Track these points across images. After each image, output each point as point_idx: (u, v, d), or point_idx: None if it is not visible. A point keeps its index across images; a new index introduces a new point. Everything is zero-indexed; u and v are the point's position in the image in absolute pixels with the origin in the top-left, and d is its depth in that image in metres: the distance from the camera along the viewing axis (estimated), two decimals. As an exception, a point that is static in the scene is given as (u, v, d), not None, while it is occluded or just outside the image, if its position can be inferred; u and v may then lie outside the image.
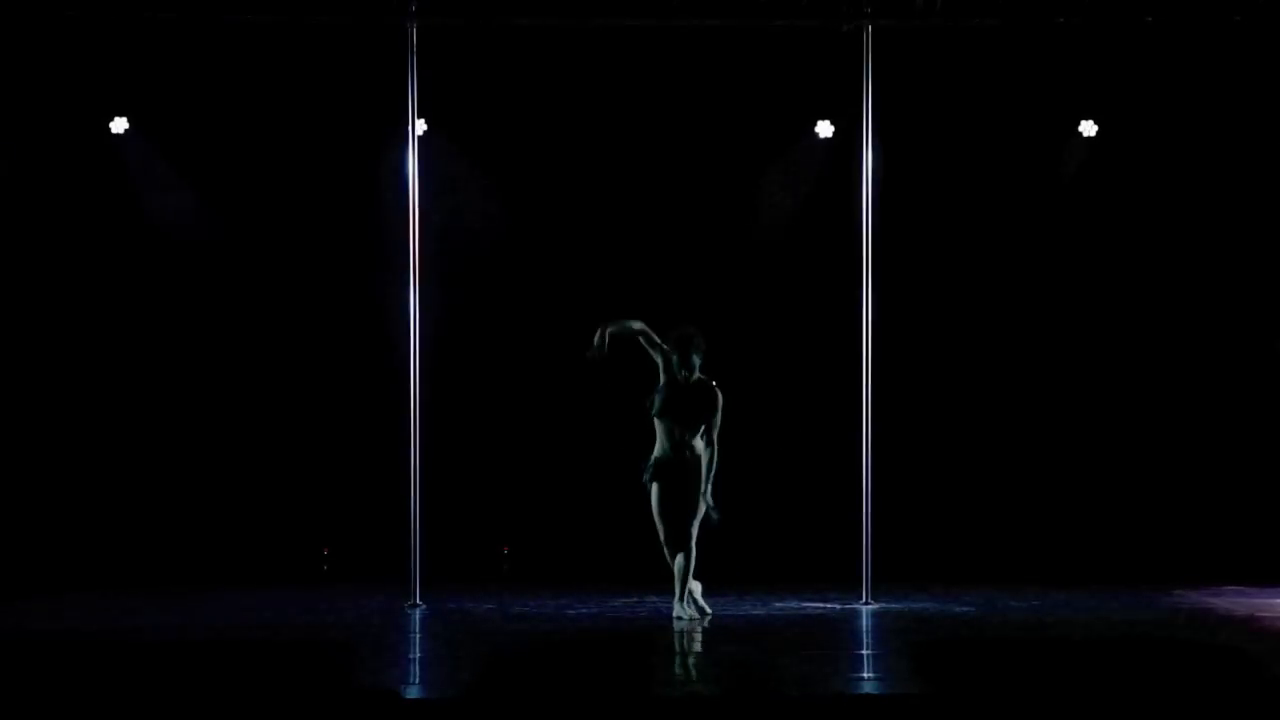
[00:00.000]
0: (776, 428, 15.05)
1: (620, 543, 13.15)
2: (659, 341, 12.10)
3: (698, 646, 11.18)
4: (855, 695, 9.07)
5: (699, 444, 12.07)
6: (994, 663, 8.57)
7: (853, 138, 13.40)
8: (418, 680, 10.01)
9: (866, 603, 12.86)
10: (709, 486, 12.05)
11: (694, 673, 10.14)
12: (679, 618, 11.99)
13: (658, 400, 12.07)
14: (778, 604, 12.98)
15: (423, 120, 13.33)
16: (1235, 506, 14.92)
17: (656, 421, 12.10)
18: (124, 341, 14.88)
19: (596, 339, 12.00)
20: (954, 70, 14.47)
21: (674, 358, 12.04)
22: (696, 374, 12.06)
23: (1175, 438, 15.01)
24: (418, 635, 11.85)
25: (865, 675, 10.17)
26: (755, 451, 14.99)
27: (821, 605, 12.91)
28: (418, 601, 12.76)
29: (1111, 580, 14.06)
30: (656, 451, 12.11)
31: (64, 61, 14.32)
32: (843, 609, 12.75)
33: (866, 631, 11.94)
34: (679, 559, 12.02)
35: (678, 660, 10.68)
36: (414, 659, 11.09)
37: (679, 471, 12.05)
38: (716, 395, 12.08)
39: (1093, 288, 15.08)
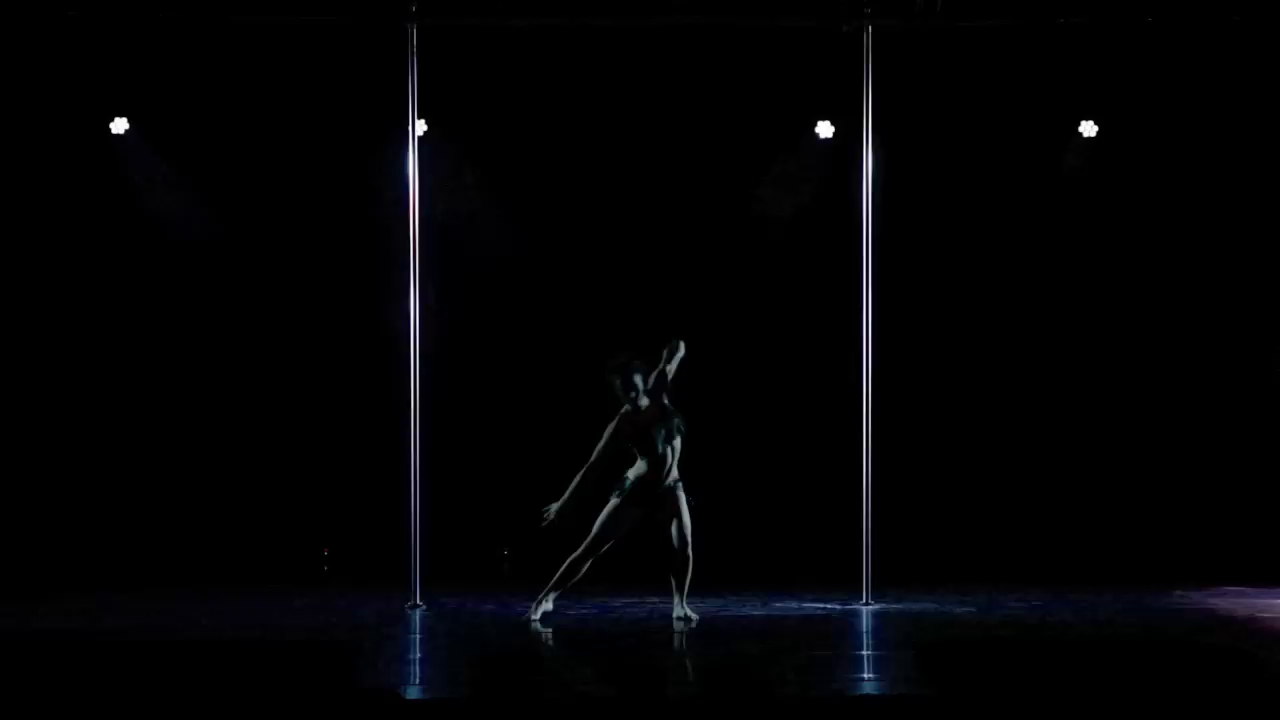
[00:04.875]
0: (777, 428, 15.05)
1: (620, 543, 13.10)
2: (613, 431, 11.88)
3: (695, 648, 11.18)
4: (855, 695, 9.07)
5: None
6: (994, 663, 8.56)
7: (853, 138, 13.39)
8: (418, 680, 10.02)
9: (867, 603, 12.85)
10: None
11: (691, 673, 10.14)
12: (679, 618, 11.97)
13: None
14: (778, 604, 12.97)
15: (423, 120, 13.33)
16: (1235, 507, 14.92)
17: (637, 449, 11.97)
18: (124, 341, 14.88)
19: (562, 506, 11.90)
20: (954, 70, 14.46)
21: (618, 391, 11.85)
22: (642, 397, 11.89)
23: (1175, 439, 15.01)
24: (418, 636, 11.85)
25: (865, 675, 10.18)
26: (755, 452, 15.02)
27: (821, 605, 12.91)
28: (418, 602, 12.75)
29: (1112, 580, 14.05)
30: (635, 471, 11.99)
31: (64, 61, 14.32)
32: (843, 609, 12.75)
33: (867, 632, 11.94)
34: (678, 560, 11.96)
35: (675, 661, 10.68)
36: (414, 659, 11.10)
37: (653, 498, 11.95)
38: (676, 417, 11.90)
39: (1093, 288, 15.08)
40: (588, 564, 12.01)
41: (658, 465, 11.89)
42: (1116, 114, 14.71)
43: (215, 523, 14.86)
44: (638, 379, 11.88)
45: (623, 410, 11.93)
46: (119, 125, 14.47)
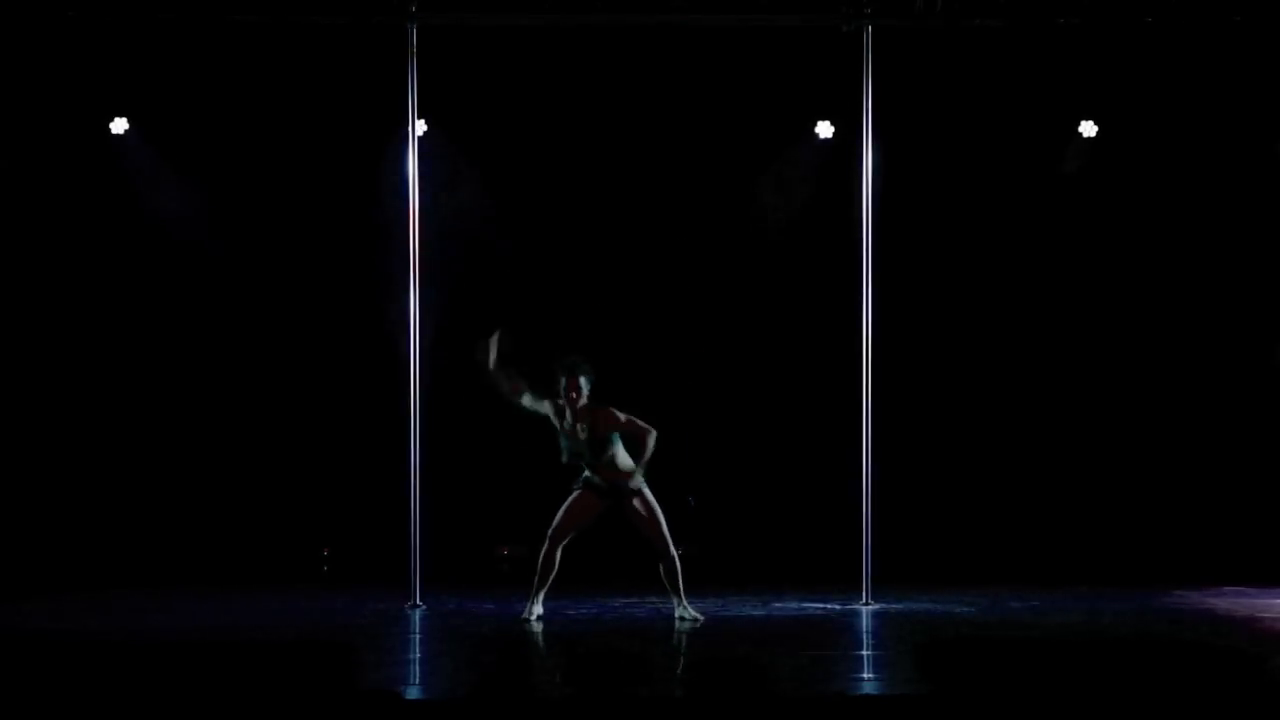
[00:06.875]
0: (777, 428, 15.05)
1: (620, 544, 13.13)
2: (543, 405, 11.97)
3: (693, 648, 11.18)
4: (855, 695, 9.07)
5: (621, 460, 11.89)
6: (994, 663, 8.55)
7: (853, 138, 13.40)
8: (418, 680, 10.02)
9: (867, 603, 12.85)
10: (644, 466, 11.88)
11: (690, 673, 10.15)
12: (681, 619, 11.98)
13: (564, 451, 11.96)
14: (778, 604, 12.97)
15: (423, 120, 13.33)
16: (1235, 507, 14.92)
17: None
18: (124, 341, 14.89)
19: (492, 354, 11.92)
20: (954, 70, 14.46)
21: (560, 387, 11.88)
22: (583, 400, 11.90)
23: (1175, 439, 15.01)
24: (418, 636, 11.85)
25: (865, 675, 10.18)
26: (755, 452, 15.01)
27: (822, 606, 12.91)
28: (418, 602, 12.76)
29: (1111, 580, 14.05)
30: (585, 472, 11.99)
31: (64, 61, 14.32)
32: (843, 609, 12.75)
33: (867, 632, 11.94)
34: (664, 565, 11.94)
35: (679, 661, 10.68)
36: (414, 659, 11.10)
37: (606, 492, 11.93)
38: (605, 411, 11.88)
39: (1093, 288, 15.08)
40: (557, 553, 11.94)
41: (579, 459, 11.88)
42: (1116, 114, 14.72)
43: (216, 522, 14.86)
44: (584, 382, 11.91)
45: (559, 401, 11.92)
46: (119, 125, 14.48)
